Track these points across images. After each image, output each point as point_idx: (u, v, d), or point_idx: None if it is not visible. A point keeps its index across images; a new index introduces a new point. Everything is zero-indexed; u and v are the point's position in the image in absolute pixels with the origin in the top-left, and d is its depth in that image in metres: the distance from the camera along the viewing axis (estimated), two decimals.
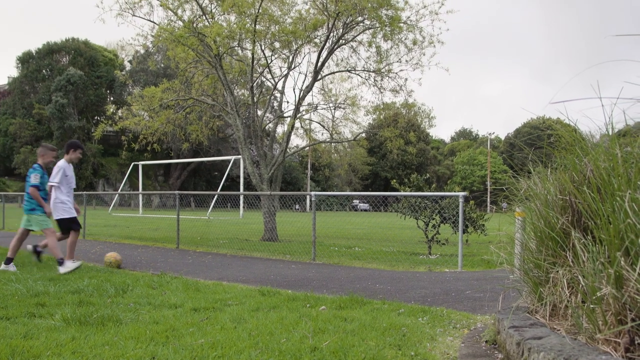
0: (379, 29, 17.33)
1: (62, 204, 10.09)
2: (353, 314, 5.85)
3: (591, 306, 3.05)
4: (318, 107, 21.70)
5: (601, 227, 3.17)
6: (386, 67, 18.53)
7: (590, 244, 3.26)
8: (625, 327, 2.85)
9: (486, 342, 4.47)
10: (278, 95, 20.40)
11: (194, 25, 16.97)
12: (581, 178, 3.67)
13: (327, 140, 22.63)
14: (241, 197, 31.42)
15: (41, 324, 5.24)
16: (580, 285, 3.24)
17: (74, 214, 10.18)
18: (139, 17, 17.16)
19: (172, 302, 6.49)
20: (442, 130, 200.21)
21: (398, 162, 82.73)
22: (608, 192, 3.17)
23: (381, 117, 28.57)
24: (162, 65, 62.54)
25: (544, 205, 4.01)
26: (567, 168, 3.97)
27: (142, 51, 63.71)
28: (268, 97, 21.88)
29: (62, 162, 10.29)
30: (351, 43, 18.50)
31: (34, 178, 9.74)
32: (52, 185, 10.03)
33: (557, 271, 3.55)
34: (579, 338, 3.12)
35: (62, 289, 7.26)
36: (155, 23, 17.46)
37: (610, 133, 3.61)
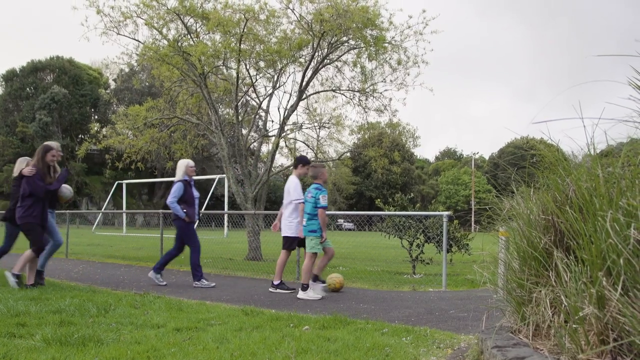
0: (363, 49, 17.40)
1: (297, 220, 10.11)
2: (336, 333, 5.83)
3: (574, 326, 3.05)
4: (303, 127, 21.76)
5: (583, 247, 3.19)
6: (371, 87, 18.60)
7: (572, 263, 3.27)
8: (608, 347, 2.85)
9: None
10: (263, 114, 20.42)
11: (179, 44, 16.98)
12: (563, 198, 3.69)
13: (312, 159, 22.65)
14: (225, 216, 31.27)
15: (21, 344, 5.17)
16: (563, 305, 3.24)
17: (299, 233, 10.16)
18: (124, 35, 17.17)
19: (155, 322, 6.43)
20: (426, 150, 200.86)
21: (383, 181, 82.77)
22: (590, 212, 3.19)
23: (366, 136, 28.64)
24: (147, 83, 62.43)
25: (527, 224, 4.03)
26: (549, 188, 3.99)
27: (127, 70, 63.77)
28: (253, 116, 21.87)
29: (295, 179, 10.31)
30: (336, 63, 18.56)
31: (323, 199, 9.67)
32: (300, 202, 9.97)
33: (540, 291, 3.55)
34: (562, 358, 3.12)
35: (43, 308, 7.18)
36: (140, 42, 17.47)
37: (592, 153, 3.64)
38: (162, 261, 11.17)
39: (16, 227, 10.57)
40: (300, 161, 10.54)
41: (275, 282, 10.23)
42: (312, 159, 22.13)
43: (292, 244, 10.22)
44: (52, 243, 10.36)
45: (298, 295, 9.34)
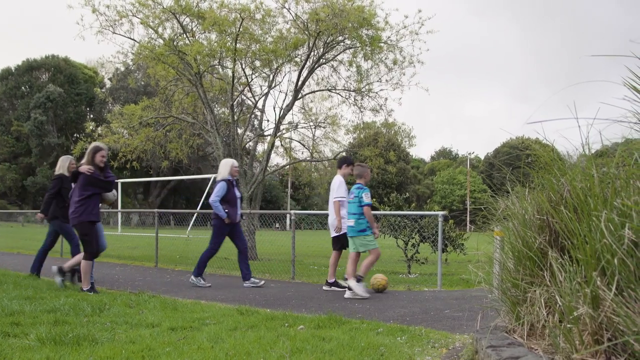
0: (359, 48, 17.41)
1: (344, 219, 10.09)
2: (331, 333, 5.83)
3: (568, 326, 3.06)
4: (298, 126, 21.74)
5: (578, 246, 3.19)
6: (366, 87, 18.61)
7: (567, 263, 3.28)
8: (602, 347, 2.85)
9: None
10: (258, 113, 20.40)
11: (175, 43, 16.97)
12: (558, 198, 3.69)
13: (308, 159, 22.62)
14: None
15: (15, 343, 5.16)
16: (558, 305, 3.24)
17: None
18: (120, 34, 17.16)
19: (150, 321, 6.42)
20: (422, 150, 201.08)
21: (378, 181, 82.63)
22: (584, 212, 3.19)
23: (361, 136, 28.67)
24: (142, 83, 62.27)
25: (522, 224, 4.03)
26: (544, 188, 3.99)
27: (122, 69, 63.47)
28: (248, 115, 21.83)
29: (339, 178, 10.35)
30: (332, 62, 18.57)
31: (366, 197, 9.65)
32: (340, 201, 9.96)
33: (535, 291, 3.55)
34: (556, 358, 3.12)
35: (37, 307, 7.17)
36: (135, 41, 17.45)
37: (587, 153, 3.64)
38: (200, 262, 11.02)
39: (67, 223, 10.58)
40: (345, 161, 10.66)
41: (330, 280, 10.34)
42: (308, 158, 22.14)
43: (343, 243, 10.27)
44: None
45: (345, 296, 9.39)
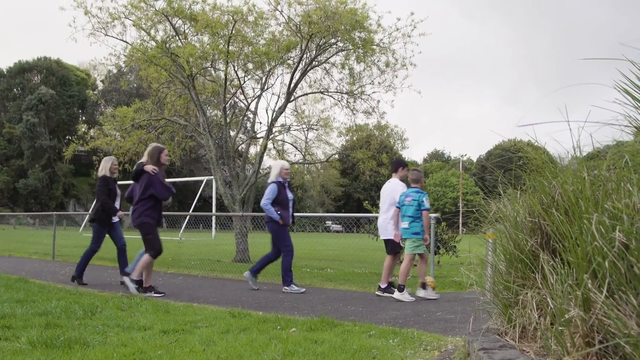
0: (352, 51, 17.42)
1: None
2: (324, 336, 5.83)
3: (559, 328, 3.06)
4: (291, 128, 21.74)
5: (569, 249, 3.20)
6: (359, 89, 18.61)
7: (558, 266, 3.28)
8: (593, 350, 2.86)
9: None
10: (251, 116, 20.40)
11: (167, 45, 16.95)
12: (550, 200, 3.70)
13: (300, 161, 22.62)
14: (213, 218, 31.23)
15: (6, 347, 5.14)
16: (549, 307, 3.25)
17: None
18: (112, 36, 17.12)
19: (142, 324, 6.41)
20: (414, 152, 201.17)
21: (371, 183, 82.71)
22: (576, 215, 3.20)
23: (354, 138, 28.73)
24: (135, 85, 62.19)
25: (514, 227, 4.04)
26: (536, 190, 4.00)
27: (115, 71, 63.39)
28: (241, 117, 21.83)
29: (396, 180, 10.36)
30: (324, 65, 18.57)
31: (426, 201, 9.73)
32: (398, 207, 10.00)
33: (526, 293, 3.56)
34: None
35: (29, 311, 7.14)
36: (128, 43, 17.42)
37: (578, 156, 3.66)
38: (258, 266, 10.90)
39: (104, 228, 10.75)
40: (401, 164, 10.65)
41: (383, 286, 10.21)
42: (300, 160, 22.14)
43: (396, 246, 10.24)
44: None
45: (394, 295, 9.44)
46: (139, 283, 9.55)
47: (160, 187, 9.41)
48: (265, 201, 10.42)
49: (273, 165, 11.04)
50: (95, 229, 11.18)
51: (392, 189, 10.23)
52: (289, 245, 10.55)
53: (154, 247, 9.43)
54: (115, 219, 11.08)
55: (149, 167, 9.32)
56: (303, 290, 10.45)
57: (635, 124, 3.19)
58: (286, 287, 10.42)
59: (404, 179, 10.45)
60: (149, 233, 9.39)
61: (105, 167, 10.94)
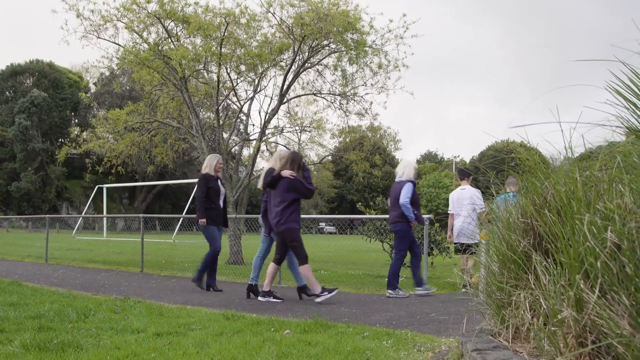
0: (344, 52, 17.43)
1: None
2: (317, 337, 5.83)
3: (552, 328, 3.07)
4: (284, 130, 21.74)
5: (561, 250, 3.21)
6: (351, 91, 18.65)
7: (551, 266, 3.29)
8: (586, 350, 2.87)
9: None
10: (244, 118, 20.42)
11: (160, 47, 16.93)
12: (542, 201, 3.71)
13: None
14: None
15: None
16: (542, 308, 3.26)
17: None
18: (104, 39, 17.10)
19: (135, 327, 6.40)
20: (408, 153, 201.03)
21: (364, 185, 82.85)
22: (568, 215, 3.21)
23: (347, 140, 28.65)
24: (127, 87, 62.17)
25: (506, 228, 4.05)
26: (528, 191, 4.01)
27: (107, 73, 63.20)
28: (234, 119, 21.83)
29: (470, 187, 10.72)
30: (317, 66, 18.59)
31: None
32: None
33: (519, 294, 3.57)
34: None
35: (22, 314, 7.11)
36: (120, 45, 17.39)
37: (570, 157, 3.67)
38: (416, 278, 10.53)
39: (212, 226, 10.58)
40: (469, 174, 11.29)
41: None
42: None
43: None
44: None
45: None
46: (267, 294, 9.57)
47: (303, 188, 9.33)
48: (405, 200, 10.09)
49: (407, 163, 10.82)
50: (204, 231, 10.82)
51: (469, 195, 10.35)
52: (403, 250, 10.42)
53: (302, 253, 9.31)
54: (202, 222, 10.61)
55: (287, 172, 9.24)
56: (408, 294, 10.22)
57: (627, 124, 3.20)
58: (391, 292, 10.16)
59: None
60: (295, 239, 9.26)
61: (210, 164, 10.75)
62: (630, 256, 2.63)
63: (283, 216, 9.17)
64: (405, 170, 10.54)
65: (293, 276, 10.17)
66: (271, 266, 9.66)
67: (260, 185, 10.02)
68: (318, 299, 9.15)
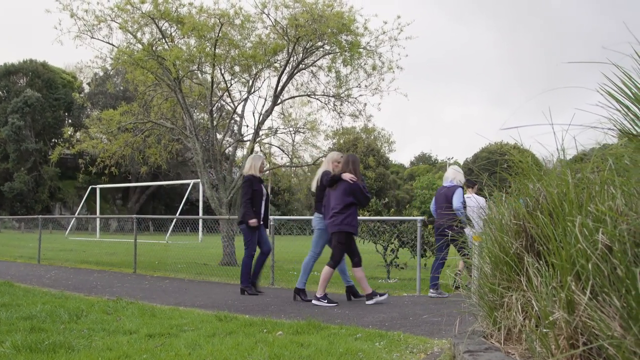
0: (338, 54, 17.45)
1: None
2: (310, 339, 5.83)
3: (544, 330, 3.07)
4: (278, 131, 21.74)
5: (553, 251, 3.21)
6: (345, 92, 18.65)
7: (543, 268, 3.30)
8: (577, 351, 2.87)
9: None
10: (238, 119, 20.37)
11: (153, 48, 16.91)
12: (534, 203, 3.72)
13: (287, 164, 22.62)
14: (200, 221, 31.16)
15: None
16: (534, 310, 3.26)
17: None
18: (98, 39, 17.06)
19: (127, 328, 6.39)
20: (401, 155, 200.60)
21: None
22: (560, 217, 3.22)
23: (341, 141, 28.68)
24: (121, 88, 62.01)
25: (499, 229, 4.05)
26: (521, 193, 4.02)
27: (101, 73, 63.18)
28: (228, 120, 21.83)
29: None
30: (311, 68, 18.59)
31: None
32: None
33: (511, 296, 3.57)
34: None
35: (14, 315, 7.10)
36: (114, 45, 17.36)
37: (563, 159, 3.68)
38: (435, 280, 10.49)
39: (253, 229, 10.39)
40: (474, 183, 11.58)
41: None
42: (287, 163, 22.15)
43: None
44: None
45: None
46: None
47: (362, 196, 9.32)
48: (459, 204, 10.14)
49: (457, 169, 10.86)
50: (244, 232, 10.62)
51: (479, 202, 10.40)
52: (446, 254, 10.39)
53: (337, 259, 9.36)
54: (253, 222, 10.38)
55: (347, 176, 9.24)
56: (447, 295, 10.29)
57: (619, 127, 3.21)
58: (433, 292, 10.34)
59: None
60: (344, 242, 9.27)
61: (254, 165, 10.61)
62: (621, 258, 2.64)
63: (339, 218, 9.19)
64: (456, 175, 10.66)
65: (340, 276, 10.27)
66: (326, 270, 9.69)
67: (313, 187, 10.07)
68: (315, 301, 9.24)
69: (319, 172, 10.08)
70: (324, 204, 9.66)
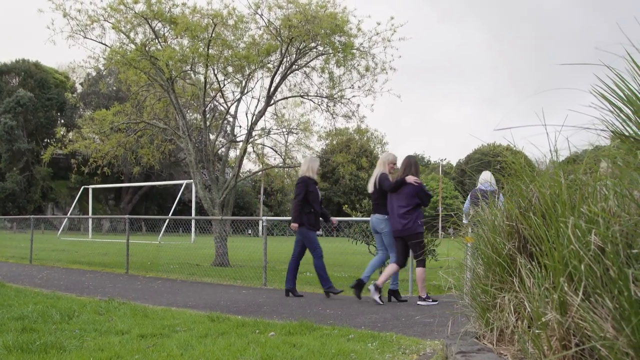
0: (331, 55, 17.46)
1: None
2: (302, 339, 5.82)
3: (536, 331, 3.07)
4: (271, 132, 21.74)
5: (546, 252, 3.21)
6: (339, 93, 18.65)
7: (535, 269, 3.30)
8: (570, 352, 2.88)
9: None
10: (231, 119, 20.35)
11: (146, 48, 16.88)
12: (527, 204, 3.72)
13: (280, 165, 22.62)
14: (193, 222, 31.15)
15: None
16: (526, 311, 3.26)
17: None
18: (91, 39, 17.03)
19: (119, 329, 6.37)
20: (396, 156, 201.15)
21: (350, 187, 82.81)
22: (552, 219, 3.22)
23: (334, 142, 28.73)
24: (114, 88, 61.86)
25: (491, 231, 4.05)
26: (514, 194, 4.02)
27: (94, 74, 63.05)
28: (220, 121, 21.79)
29: None
30: (304, 68, 18.58)
31: None
32: None
33: (504, 296, 3.57)
34: None
35: (5, 315, 7.07)
36: (107, 45, 17.33)
37: (555, 160, 3.68)
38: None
39: (312, 231, 10.46)
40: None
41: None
42: (280, 164, 22.14)
43: None
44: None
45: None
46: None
47: (425, 196, 9.54)
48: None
49: (490, 173, 10.99)
50: (304, 234, 10.62)
51: None
52: None
53: (421, 258, 9.53)
54: (294, 226, 10.50)
55: (412, 178, 9.35)
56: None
57: (612, 128, 3.22)
58: None
59: None
60: (420, 243, 9.46)
61: (312, 167, 10.61)
62: (614, 259, 2.64)
63: (410, 220, 9.35)
64: (492, 180, 10.72)
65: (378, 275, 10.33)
66: (392, 267, 9.80)
67: (370, 189, 10.10)
68: (421, 302, 9.39)
69: (376, 173, 10.16)
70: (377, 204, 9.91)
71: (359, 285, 9.91)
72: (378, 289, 9.43)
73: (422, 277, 9.39)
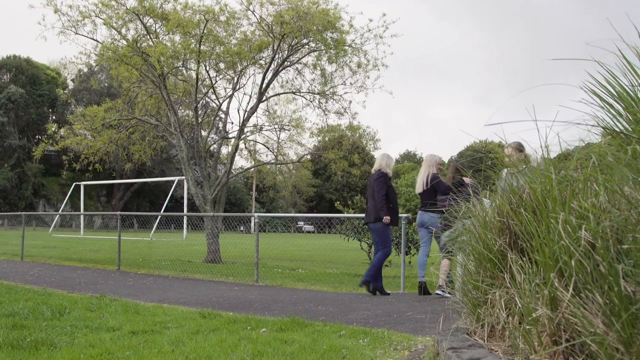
0: (324, 51, 17.45)
1: None
2: (294, 336, 5.82)
3: (527, 327, 3.08)
4: (263, 129, 21.71)
5: (536, 248, 3.22)
6: (331, 90, 18.65)
7: (526, 265, 3.30)
8: (560, 348, 2.88)
9: None
10: (222, 116, 20.32)
11: (138, 44, 16.83)
12: (518, 200, 3.72)
13: (272, 161, 22.61)
14: (185, 219, 31.10)
15: None
16: (517, 307, 3.27)
17: None
18: (82, 35, 16.99)
19: (110, 325, 6.36)
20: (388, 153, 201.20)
21: (343, 184, 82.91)
22: (543, 214, 3.22)
23: (326, 139, 28.71)
24: (106, 84, 61.74)
25: (482, 226, 4.05)
26: (504, 190, 4.02)
27: (85, 70, 62.87)
28: (212, 117, 21.77)
29: None
30: (296, 65, 18.58)
31: None
32: None
33: (495, 292, 3.58)
34: (516, 359, 3.14)
35: None
36: (98, 42, 17.29)
37: (546, 156, 3.68)
38: None
39: (389, 227, 10.32)
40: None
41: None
42: (272, 161, 22.13)
43: None
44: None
45: None
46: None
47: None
48: None
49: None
50: (379, 231, 10.34)
51: None
52: None
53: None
54: (387, 220, 10.15)
55: (468, 180, 9.34)
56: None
57: (602, 124, 3.22)
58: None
59: None
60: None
61: (388, 164, 10.63)
62: (604, 255, 2.64)
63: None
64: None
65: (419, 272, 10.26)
66: (445, 262, 9.82)
67: (420, 189, 10.29)
68: (439, 291, 9.52)
69: (423, 173, 10.35)
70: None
71: (425, 289, 9.96)
72: (441, 288, 9.52)
73: (446, 269, 9.41)
